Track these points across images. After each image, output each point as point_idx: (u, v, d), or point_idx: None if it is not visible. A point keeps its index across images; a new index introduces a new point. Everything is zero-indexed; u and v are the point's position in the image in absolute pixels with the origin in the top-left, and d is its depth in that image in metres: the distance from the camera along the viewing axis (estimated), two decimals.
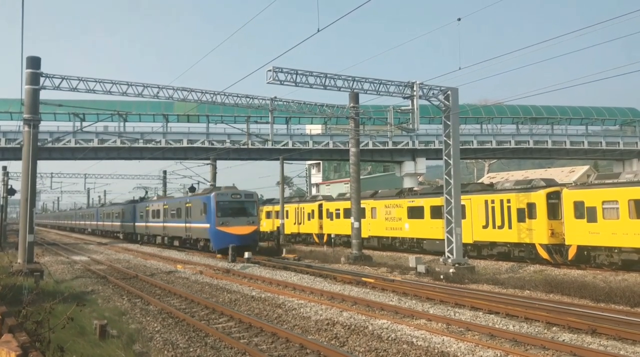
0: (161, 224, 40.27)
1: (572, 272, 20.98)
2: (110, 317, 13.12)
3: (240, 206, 31.53)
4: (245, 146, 49.26)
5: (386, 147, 52.58)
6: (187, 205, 34.98)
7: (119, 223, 53.97)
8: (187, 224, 34.74)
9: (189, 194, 45.27)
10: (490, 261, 25.43)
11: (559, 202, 23.01)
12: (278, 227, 41.83)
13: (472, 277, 20.40)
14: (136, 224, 47.32)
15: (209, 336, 11.65)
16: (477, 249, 26.53)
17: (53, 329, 8.91)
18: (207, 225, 31.27)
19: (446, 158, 22.69)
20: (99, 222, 65.24)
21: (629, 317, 12.90)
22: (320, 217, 39.48)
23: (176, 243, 37.81)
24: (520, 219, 24.21)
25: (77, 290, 18.40)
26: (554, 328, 12.11)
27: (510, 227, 24.67)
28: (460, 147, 23.79)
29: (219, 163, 49.36)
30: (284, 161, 46.61)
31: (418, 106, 22.27)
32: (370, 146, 51.51)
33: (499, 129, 58.15)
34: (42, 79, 22.22)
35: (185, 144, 49.62)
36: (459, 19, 20.72)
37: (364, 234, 32.11)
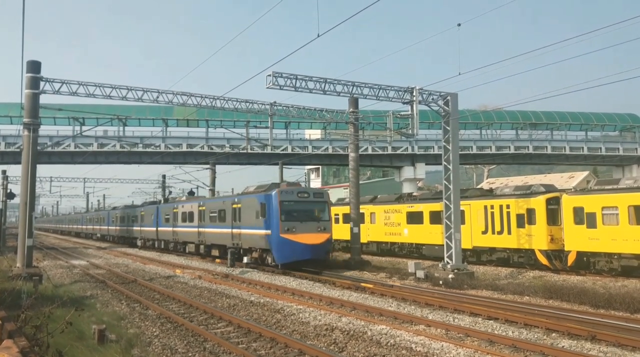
0: (195, 230, 33.71)
1: (572, 278, 20.97)
2: (109, 322, 13.11)
3: (310, 207, 25.39)
4: (245, 151, 49.24)
5: (385, 153, 52.62)
6: (234, 206, 28.41)
7: (136, 228, 47.21)
8: (235, 230, 28.09)
9: (189, 195, 43.84)
10: (489, 266, 25.40)
11: (559, 208, 23.01)
12: None
13: (472, 282, 20.37)
14: (159, 229, 40.82)
15: (207, 341, 11.63)
16: (477, 255, 26.50)
17: (52, 333, 8.89)
18: (267, 231, 24.76)
19: (445, 163, 22.70)
20: (110, 227, 57.95)
21: (628, 323, 12.88)
22: None
23: (215, 253, 31.33)
24: (520, 224, 24.20)
25: (76, 294, 18.38)
26: (554, 334, 12.08)
27: (509, 232, 24.65)
28: (460, 152, 23.81)
29: (218, 168, 49.50)
30: (283, 166, 46.62)
31: (417, 111, 22.29)
32: (370, 151, 51.54)
33: (499, 134, 58.25)
34: (42, 83, 22.24)
35: (184, 149, 49.63)
36: (459, 25, 20.79)
37: (363, 239, 32.08)
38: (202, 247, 32.97)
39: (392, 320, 13.81)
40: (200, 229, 32.97)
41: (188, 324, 13.17)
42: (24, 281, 19.22)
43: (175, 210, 37.55)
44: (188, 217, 35.11)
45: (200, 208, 33.19)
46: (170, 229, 38.27)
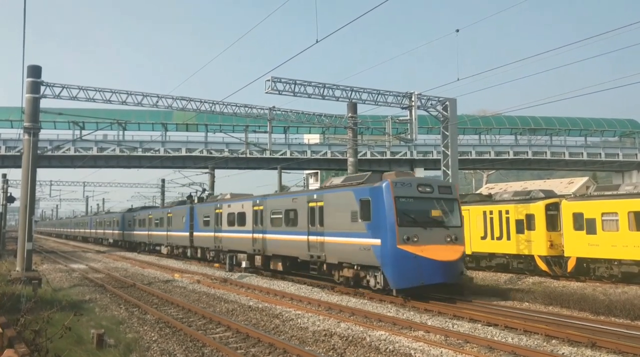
0: (249, 235, 26.41)
1: (572, 285, 20.94)
2: (107, 327, 13.08)
3: (436, 207, 17.91)
4: (244, 155, 49.35)
5: (384, 157, 52.67)
6: (311, 204, 21.14)
7: (161, 232, 40.43)
8: (314, 237, 20.85)
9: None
10: (488, 272, 25.37)
11: (558, 214, 23.00)
12: None
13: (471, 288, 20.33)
14: (195, 234, 34.24)
15: (206, 346, 11.60)
16: (476, 260, 26.48)
17: (51, 338, 8.88)
18: (373, 241, 17.50)
19: (444, 168, 22.73)
20: (125, 231, 51.01)
21: (629, 330, 12.85)
22: None
23: (278, 266, 23.99)
24: (519, 230, 24.18)
25: (75, 298, 18.35)
26: (553, 341, 12.05)
27: (508, 238, 24.63)
28: (459, 157, 23.86)
29: (217, 172, 49.56)
30: (282, 170, 46.68)
31: (416, 116, 22.36)
32: (369, 156, 51.58)
33: (498, 139, 58.40)
34: (42, 88, 22.29)
35: (183, 153, 49.72)
36: (457, 30, 20.91)
37: None
38: (258, 258, 25.74)
39: (391, 326, 13.78)
40: (257, 235, 25.72)
41: (186, 329, 13.14)
42: (23, 284, 19.24)
43: (218, 210, 30.63)
44: (237, 219, 28.00)
45: (256, 208, 26.04)
46: (211, 234, 31.28)
